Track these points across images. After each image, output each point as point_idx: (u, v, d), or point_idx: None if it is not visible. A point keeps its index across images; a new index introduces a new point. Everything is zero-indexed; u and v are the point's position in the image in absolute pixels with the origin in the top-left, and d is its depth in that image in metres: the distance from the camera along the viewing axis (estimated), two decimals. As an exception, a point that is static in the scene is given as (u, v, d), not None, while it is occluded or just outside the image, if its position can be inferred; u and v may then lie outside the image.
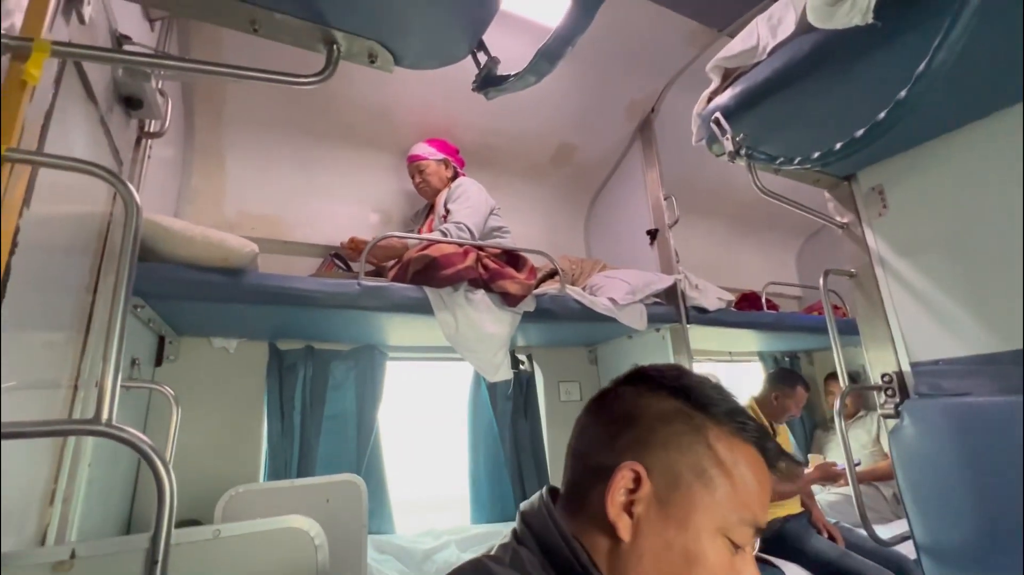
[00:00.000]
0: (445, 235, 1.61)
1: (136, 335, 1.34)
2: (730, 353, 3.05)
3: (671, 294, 1.93)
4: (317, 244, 1.96)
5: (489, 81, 0.73)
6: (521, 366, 2.10)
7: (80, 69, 0.78)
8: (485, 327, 1.46)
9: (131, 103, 1.02)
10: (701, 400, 0.49)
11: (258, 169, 1.90)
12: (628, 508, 0.45)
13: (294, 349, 1.77)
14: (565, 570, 0.44)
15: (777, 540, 2.01)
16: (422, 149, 1.96)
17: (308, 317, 1.54)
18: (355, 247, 1.70)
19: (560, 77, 2.02)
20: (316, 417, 1.72)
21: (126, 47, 0.93)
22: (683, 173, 2.34)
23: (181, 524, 1.05)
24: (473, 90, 0.77)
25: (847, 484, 2.32)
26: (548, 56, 0.64)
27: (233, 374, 1.68)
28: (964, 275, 1.09)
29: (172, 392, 1.09)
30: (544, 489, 0.52)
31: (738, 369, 3.07)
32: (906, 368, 1.18)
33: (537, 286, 1.70)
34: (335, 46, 0.75)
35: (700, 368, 1.91)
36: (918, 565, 1.08)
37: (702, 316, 1.97)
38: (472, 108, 2.05)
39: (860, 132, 0.78)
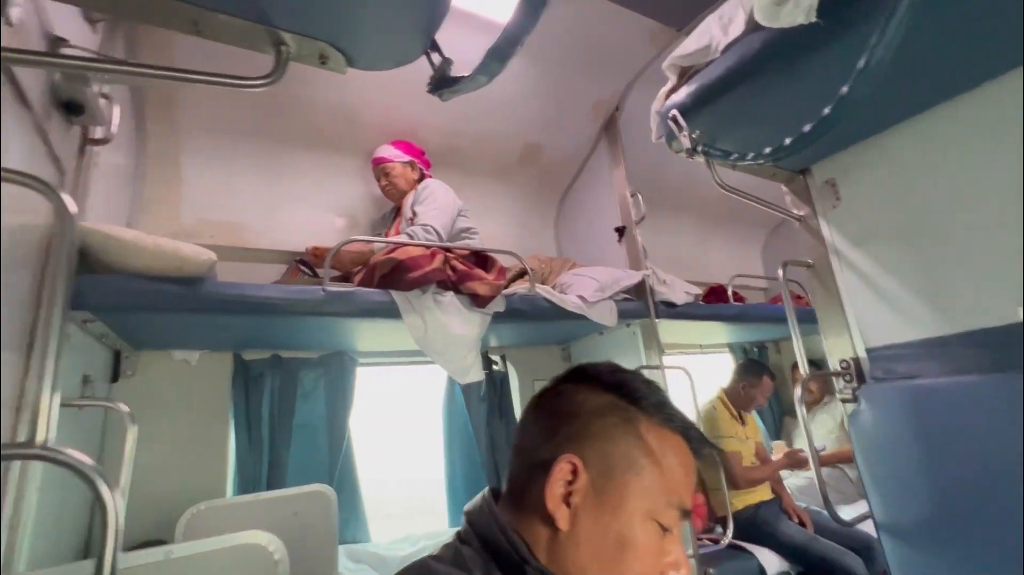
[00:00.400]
0: (412, 238, 1.59)
1: (88, 351, 1.29)
2: (700, 346, 3.11)
3: (640, 290, 1.95)
4: (282, 251, 1.91)
5: (443, 82, 0.73)
6: (494, 366, 2.09)
7: (10, 73, 0.74)
8: (454, 329, 1.45)
9: (72, 108, 0.97)
10: (633, 394, 0.53)
11: (217, 175, 1.84)
12: (567, 499, 0.48)
13: (260, 359, 1.73)
14: (505, 563, 0.47)
15: (750, 526, 2.06)
16: (387, 151, 1.93)
17: (273, 326, 1.50)
18: (319, 255, 1.67)
19: (525, 78, 2.05)
20: (285, 427, 1.68)
21: (62, 50, 0.88)
22: (649, 170, 2.38)
23: (145, 545, 1.01)
24: (428, 92, 0.76)
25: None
26: (497, 56, 0.64)
27: (196, 387, 1.63)
28: (912, 263, 1.14)
29: (127, 409, 1.05)
30: (487, 489, 0.55)
31: (709, 361, 3.14)
32: (862, 354, 1.22)
33: (507, 286, 1.70)
34: (283, 47, 0.73)
35: (671, 361, 1.94)
36: (879, 543, 1.12)
37: (671, 310, 2.00)
38: (437, 109, 2.03)
39: (808, 127, 0.80)
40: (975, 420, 0.97)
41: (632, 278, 1.90)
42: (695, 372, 1.92)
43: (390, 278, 1.43)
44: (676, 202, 2.91)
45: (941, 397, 1.03)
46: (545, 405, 0.56)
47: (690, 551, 1.72)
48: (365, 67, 0.80)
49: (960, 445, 0.99)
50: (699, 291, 2.22)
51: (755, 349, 3.29)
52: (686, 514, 0.51)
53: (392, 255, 1.46)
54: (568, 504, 0.48)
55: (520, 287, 1.71)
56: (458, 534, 0.52)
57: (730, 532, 1.87)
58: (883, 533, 1.10)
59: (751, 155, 0.92)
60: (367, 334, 1.72)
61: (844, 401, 1.21)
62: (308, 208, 2.01)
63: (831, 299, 1.30)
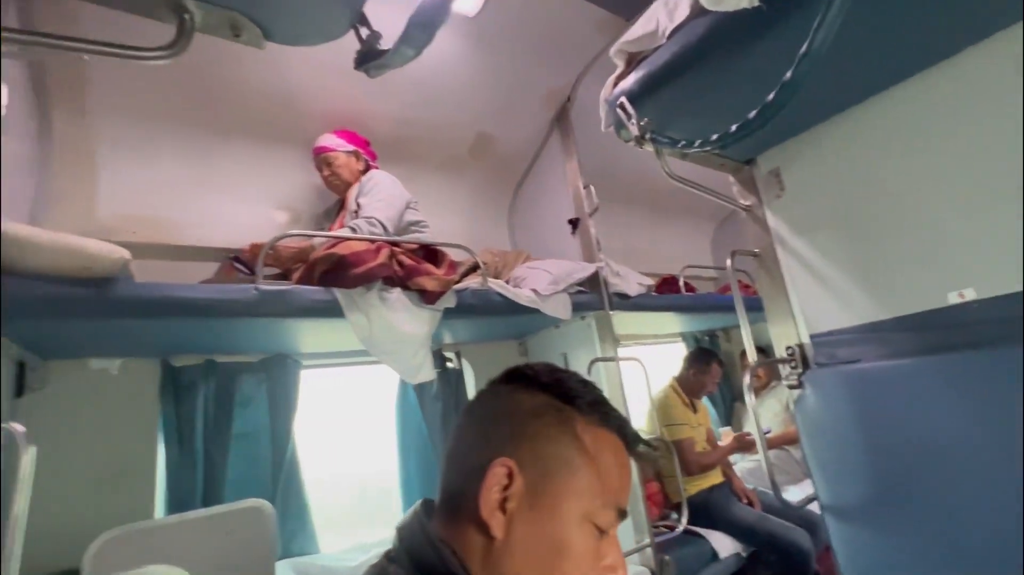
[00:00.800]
0: (355, 231, 1.51)
1: (-20, 363, 1.14)
2: (654, 336, 3.16)
3: (594, 282, 1.95)
4: (215, 247, 1.77)
5: (369, 56, 0.66)
6: (448, 364, 2.04)
7: None
8: (402, 327, 1.38)
9: (-60, 85, 0.84)
10: (568, 393, 0.51)
11: (137, 165, 1.68)
12: (502, 505, 0.46)
13: (192, 365, 1.59)
14: None
15: (703, 510, 2.11)
16: (329, 140, 1.83)
17: (205, 329, 1.38)
18: (256, 252, 1.55)
19: (475, 66, 1.99)
20: (222, 438, 1.56)
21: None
22: (602, 162, 2.37)
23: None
24: (355, 68, 0.70)
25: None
26: (421, 25, 0.58)
27: (118, 398, 1.48)
28: (851, 250, 1.17)
29: (22, 429, 0.92)
30: (419, 502, 0.51)
31: (663, 351, 3.19)
32: (806, 340, 1.25)
33: (459, 281, 1.64)
34: (186, 16, 0.64)
35: (626, 352, 1.95)
36: (823, 522, 1.16)
37: (625, 302, 2.01)
38: (384, 97, 1.95)
39: (752, 113, 0.79)
40: (909, 401, 1.01)
41: (586, 270, 1.89)
42: (649, 362, 1.94)
43: (332, 275, 1.35)
44: (628, 194, 2.93)
45: (878, 380, 1.07)
46: (480, 408, 0.54)
47: (646, 540, 1.74)
48: (286, 41, 0.73)
49: (896, 425, 1.02)
50: (652, 282, 2.25)
51: (706, 338, 3.38)
52: (622, 514, 0.50)
53: (333, 250, 1.37)
54: (503, 510, 0.45)
55: (472, 282, 1.66)
56: (386, 553, 0.48)
57: (685, 519, 1.91)
58: (827, 513, 1.13)
59: (698, 142, 0.91)
60: (310, 335, 1.62)
61: (790, 387, 1.24)
62: (243, 201, 1.87)
63: (776, 287, 1.32)
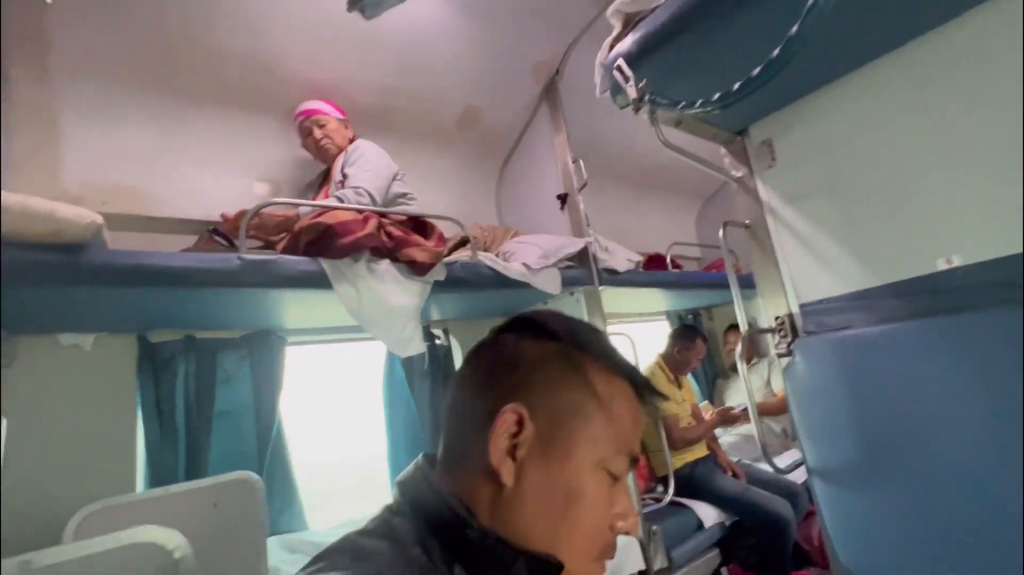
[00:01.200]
0: (342, 201, 1.46)
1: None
2: (640, 314, 3.19)
3: (583, 257, 1.94)
4: (192, 219, 1.70)
5: (364, -4, 0.62)
6: (437, 340, 2.01)
7: None
8: (392, 299, 1.35)
9: None
10: (579, 340, 0.50)
11: (105, 132, 1.59)
12: (512, 452, 0.44)
13: (171, 341, 1.54)
14: (443, 529, 0.42)
15: (688, 483, 2.15)
16: (319, 104, 1.76)
17: (184, 302, 1.33)
18: (235, 223, 1.49)
19: (461, 36, 1.93)
20: (204, 415, 1.52)
21: None
22: (590, 136, 2.35)
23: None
24: (348, 10, 0.66)
25: (745, 423, 2.55)
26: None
27: (92, 376, 1.42)
28: (840, 220, 1.18)
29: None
30: (420, 456, 0.50)
31: (649, 329, 3.23)
32: (795, 310, 1.26)
33: (448, 255, 1.61)
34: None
35: (613, 329, 1.95)
36: (808, 487, 1.18)
37: (614, 277, 2.01)
38: (368, 65, 1.88)
39: (757, 70, 0.77)
40: (897, 365, 1.03)
41: (575, 245, 1.87)
42: (637, 340, 1.95)
43: (318, 244, 1.30)
44: (616, 170, 2.92)
45: (866, 345, 1.08)
46: (484, 356, 0.52)
47: (637, 509, 1.76)
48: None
49: (884, 389, 1.04)
50: (640, 258, 2.25)
51: (690, 316, 3.42)
52: (634, 462, 0.49)
53: (319, 219, 1.33)
54: (514, 458, 0.44)
55: (462, 255, 1.63)
56: (388, 507, 0.46)
57: (671, 490, 1.94)
58: (814, 476, 1.16)
59: (699, 102, 0.89)
60: (295, 308, 1.57)
61: (780, 355, 1.25)
62: (221, 172, 1.79)
63: (767, 258, 1.33)
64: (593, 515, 0.45)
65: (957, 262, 1.00)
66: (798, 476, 2.15)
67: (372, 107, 1.98)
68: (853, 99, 1.14)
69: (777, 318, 1.30)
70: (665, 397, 0.54)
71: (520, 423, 0.44)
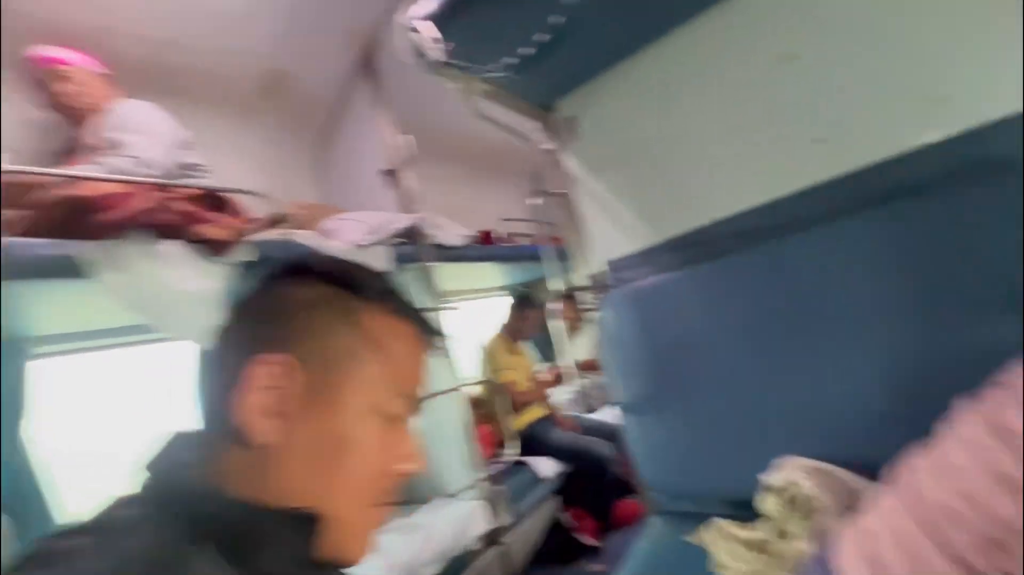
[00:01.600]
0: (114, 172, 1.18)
1: None
2: (481, 291, 3.28)
3: (414, 233, 1.90)
4: None
5: None
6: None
7: None
8: (185, 285, 1.15)
9: None
10: (353, 283, 0.47)
11: None
12: (275, 409, 0.40)
13: None
14: (187, 511, 0.36)
15: (530, 441, 2.31)
16: (63, 52, 1.39)
17: None
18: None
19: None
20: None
21: None
22: (421, 111, 2.29)
23: None
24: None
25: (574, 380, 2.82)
26: None
27: None
28: (634, 187, 1.35)
29: None
30: (174, 432, 0.44)
31: (492, 305, 3.34)
32: (603, 268, 1.42)
33: (257, 232, 1.43)
34: None
35: (448, 305, 1.97)
36: (622, 426, 1.35)
37: (446, 252, 2.02)
38: (133, 8, 1.54)
39: (561, 19, 0.81)
40: (675, 307, 1.23)
41: (404, 220, 1.83)
42: (478, 316, 2.00)
43: (71, 223, 1.04)
44: (449, 149, 2.92)
45: (651, 293, 1.27)
46: (248, 307, 0.46)
47: (481, 475, 1.83)
48: None
49: (666, 327, 1.23)
50: (473, 234, 2.30)
51: (527, 288, 3.64)
52: (416, 404, 0.48)
53: (74, 191, 1.06)
54: (277, 414, 0.40)
55: (274, 233, 1.46)
56: (118, 497, 0.39)
57: (514, 451, 2.07)
58: (623, 411, 1.33)
59: (503, 61, 0.92)
60: (47, 307, 1.25)
61: (595, 311, 1.40)
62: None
63: (577, 224, 1.47)
64: (369, 463, 0.43)
65: (721, 216, 1.21)
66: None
67: (143, 62, 1.64)
68: (644, 75, 1.26)
69: (589, 276, 1.45)
70: (443, 335, 0.53)
71: (285, 376, 0.41)
